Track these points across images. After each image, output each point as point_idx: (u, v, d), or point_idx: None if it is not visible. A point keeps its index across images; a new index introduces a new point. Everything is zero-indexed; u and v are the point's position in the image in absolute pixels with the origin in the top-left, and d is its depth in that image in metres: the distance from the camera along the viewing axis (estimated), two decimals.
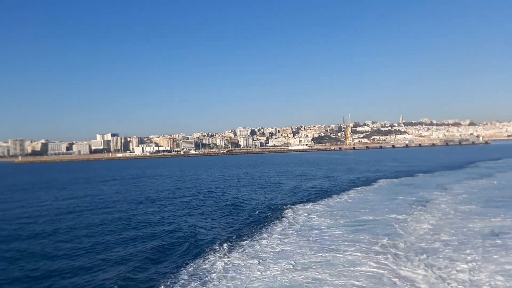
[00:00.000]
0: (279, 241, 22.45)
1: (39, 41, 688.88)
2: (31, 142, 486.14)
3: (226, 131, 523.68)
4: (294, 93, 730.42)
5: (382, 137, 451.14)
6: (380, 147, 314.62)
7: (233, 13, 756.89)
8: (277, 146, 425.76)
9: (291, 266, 17.79)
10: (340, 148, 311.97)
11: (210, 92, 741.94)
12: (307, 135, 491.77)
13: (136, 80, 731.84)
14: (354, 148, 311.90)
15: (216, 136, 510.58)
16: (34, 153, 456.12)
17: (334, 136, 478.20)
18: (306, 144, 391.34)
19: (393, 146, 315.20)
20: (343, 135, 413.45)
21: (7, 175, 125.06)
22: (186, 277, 17.24)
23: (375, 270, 16.75)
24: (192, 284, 16.26)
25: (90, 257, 21.44)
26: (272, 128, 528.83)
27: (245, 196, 43.96)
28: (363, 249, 19.83)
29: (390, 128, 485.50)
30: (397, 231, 23.47)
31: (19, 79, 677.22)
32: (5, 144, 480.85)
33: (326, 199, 38.59)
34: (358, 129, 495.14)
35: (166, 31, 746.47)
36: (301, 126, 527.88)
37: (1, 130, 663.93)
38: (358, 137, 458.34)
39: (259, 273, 17.08)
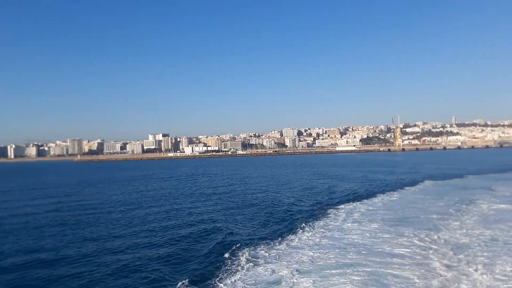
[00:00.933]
0: (320, 237, 25.06)
1: (97, 47, 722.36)
2: (88, 142, 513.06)
3: (273, 132, 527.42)
4: (341, 93, 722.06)
5: (433, 139, 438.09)
6: (431, 148, 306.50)
7: (275, 10, 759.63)
8: (324, 147, 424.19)
9: (332, 264, 18.67)
10: (389, 150, 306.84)
11: (257, 93, 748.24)
12: (355, 136, 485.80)
13: (185, 82, 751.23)
14: (403, 149, 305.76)
15: (263, 136, 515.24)
16: (90, 152, 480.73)
17: (383, 137, 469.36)
18: (354, 145, 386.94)
19: (444, 148, 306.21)
20: (392, 136, 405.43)
21: (71, 172, 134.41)
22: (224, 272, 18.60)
23: (416, 267, 17.69)
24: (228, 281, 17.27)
25: (130, 243, 25.15)
26: (319, 128, 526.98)
27: (293, 194, 46.89)
28: (403, 246, 21.39)
29: (441, 129, 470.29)
30: (439, 228, 25.06)
31: (78, 83, 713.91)
32: (64, 143, 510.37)
33: (370, 199, 40.75)
34: (408, 130, 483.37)
35: (215, 32, 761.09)
36: (348, 127, 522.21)
37: (61, 131, 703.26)
38: (408, 138, 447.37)
39: (295, 272, 17.78)
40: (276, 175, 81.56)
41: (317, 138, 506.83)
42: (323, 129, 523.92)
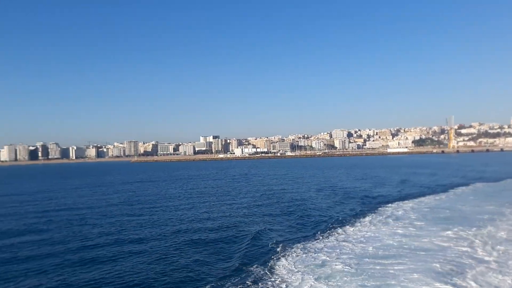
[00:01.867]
0: (371, 229, 28.48)
1: (153, 51, 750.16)
2: (143, 143, 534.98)
3: (322, 133, 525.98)
4: (392, 93, 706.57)
5: (490, 140, 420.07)
6: (487, 150, 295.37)
7: (326, 10, 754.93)
8: (374, 148, 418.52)
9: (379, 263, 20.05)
10: (442, 151, 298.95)
11: (306, 94, 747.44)
12: (407, 138, 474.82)
13: (234, 84, 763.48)
14: (457, 151, 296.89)
15: (312, 138, 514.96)
16: (145, 153, 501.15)
17: (436, 139, 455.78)
18: (406, 147, 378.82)
19: (502, 150, 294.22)
20: (446, 138, 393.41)
21: (132, 171, 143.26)
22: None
23: (461, 262, 19.36)
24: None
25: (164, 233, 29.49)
26: (369, 130, 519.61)
27: (346, 193, 50.10)
28: (450, 242, 23.95)
29: (499, 130, 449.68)
30: (486, 227, 27.18)
31: (134, 87, 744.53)
32: (121, 145, 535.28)
33: (419, 198, 43.42)
34: (463, 131, 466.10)
35: (265, 35, 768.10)
36: (400, 128, 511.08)
37: (118, 133, 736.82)
38: (463, 140, 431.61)
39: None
40: (328, 177, 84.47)
41: (367, 139, 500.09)
42: (373, 130, 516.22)
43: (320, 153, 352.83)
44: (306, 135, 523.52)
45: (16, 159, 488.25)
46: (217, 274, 20.00)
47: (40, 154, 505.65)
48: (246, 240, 26.73)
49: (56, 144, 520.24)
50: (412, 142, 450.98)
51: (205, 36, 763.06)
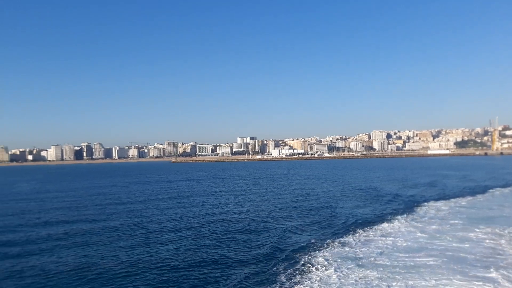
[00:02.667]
0: (415, 226, 30.59)
1: (191, 54, 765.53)
2: (182, 144, 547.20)
3: (360, 134, 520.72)
4: (434, 93, 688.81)
5: None
6: None
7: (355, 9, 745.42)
8: (414, 150, 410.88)
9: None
10: (485, 154, 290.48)
11: (344, 94, 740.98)
12: (448, 139, 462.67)
13: (270, 85, 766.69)
14: (502, 153, 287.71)
15: (350, 139, 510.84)
16: (184, 154, 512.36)
17: (479, 141, 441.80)
18: (447, 149, 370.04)
19: None
20: (490, 140, 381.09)
21: (176, 171, 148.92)
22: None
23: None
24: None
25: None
26: (409, 131, 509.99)
27: (388, 192, 52.04)
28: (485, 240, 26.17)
29: None
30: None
31: (173, 90, 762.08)
32: (161, 145, 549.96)
33: (457, 198, 44.90)
34: (507, 133, 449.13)
35: (298, 33, 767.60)
36: (441, 129, 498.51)
37: (158, 134, 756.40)
38: (508, 142, 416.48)
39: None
40: (368, 178, 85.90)
41: (407, 141, 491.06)
42: (413, 132, 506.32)
43: (359, 155, 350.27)
44: (344, 136, 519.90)
45: (62, 159, 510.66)
46: (259, 261, 22.98)
47: (84, 154, 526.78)
48: (286, 234, 29.64)
49: (100, 144, 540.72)
50: (454, 144, 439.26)
51: (242, 37, 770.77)
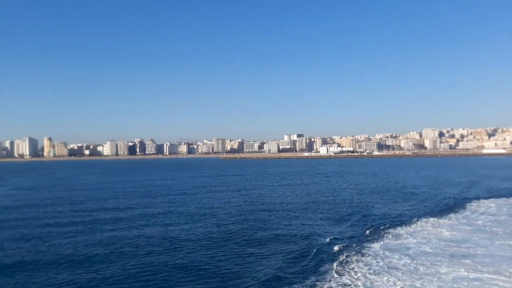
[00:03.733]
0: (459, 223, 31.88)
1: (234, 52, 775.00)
2: (230, 141, 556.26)
3: (411, 132, 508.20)
4: (489, 91, 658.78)
5: None
6: None
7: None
8: (468, 149, 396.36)
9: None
10: None
11: (394, 92, 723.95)
12: (504, 138, 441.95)
13: (319, 82, 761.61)
14: None
15: (400, 137, 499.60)
16: (232, 150, 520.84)
17: None
18: (504, 148, 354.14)
19: None
20: None
21: (227, 166, 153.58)
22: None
23: None
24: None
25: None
26: (463, 129, 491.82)
27: (438, 190, 52.85)
28: None
29: None
30: None
31: (220, 86, 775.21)
32: (210, 142, 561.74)
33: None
34: None
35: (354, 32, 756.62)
36: (497, 128, 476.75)
37: (207, 131, 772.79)
38: None
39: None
40: (422, 177, 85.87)
41: (460, 139, 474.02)
42: (467, 130, 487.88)
43: (409, 153, 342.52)
44: (394, 134, 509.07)
45: (117, 154, 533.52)
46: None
47: (138, 149, 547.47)
48: (345, 226, 31.92)
49: (152, 140, 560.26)
50: (511, 143, 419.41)
51: (289, 35, 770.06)
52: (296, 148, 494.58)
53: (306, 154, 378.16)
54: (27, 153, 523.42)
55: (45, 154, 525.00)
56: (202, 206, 41.96)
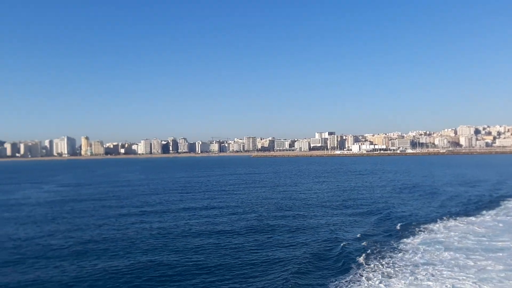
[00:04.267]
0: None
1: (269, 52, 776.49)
2: (261, 139, 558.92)
3: (445, 130, 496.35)
4: None
5: None
6: None
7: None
8: (505, 146, 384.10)
9: None
10: None
11: (427, 88, 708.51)
12: None
13: (350, 79, 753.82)
14: None
15: (434, 135, 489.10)
16: (262, 148, 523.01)
17: None
18: None
19: None
20: None
21: (260, 164, 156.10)
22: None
23: None
24: None
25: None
26: (500, 126, 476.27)
27: (475, 187, 53.48)
28: None
29: None
30: None
31: (251, 86, 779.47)
32: (241, 140, 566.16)
33: None
34: None
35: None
36: None
37: (238, 129, 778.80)
38: None
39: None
40: (459, 175, 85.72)
41: (497, 137, 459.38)
42: (504, 127, 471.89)
43: (444, 151, 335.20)
44: (427, 132, 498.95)
45: (151, 152, 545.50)
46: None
47: (170, 148, 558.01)
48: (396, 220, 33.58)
49: (185, 139, 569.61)
50: None
51: (322, 33, 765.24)
52: (327, 146, 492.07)
53: (337, 152, 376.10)
54: (66, 152, 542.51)
55: (82, 152, 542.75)
56: (242, 202, 44.32)
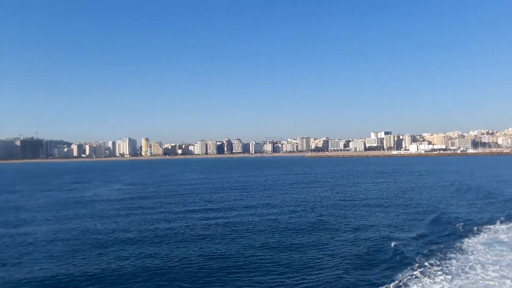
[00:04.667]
0: None
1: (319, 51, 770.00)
2: (314, 139, 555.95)
3: (510, 129, 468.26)
4: None
5: None
6: None
7: None
8: None
9: None
10: None
11: (488, 84, 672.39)
12: None
13: (406, 78, 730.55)
14: None
15: (497, 134, 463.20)
16: (316, 149, 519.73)
17: None
18: None
19: None
20: None
21: (314, 165, 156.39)
22: None
23: None
24: None
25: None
26: None
27: None
28: None
29: None
30: None
31: (305, 85, 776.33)
32: (294, 141, 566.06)
33: None
34: None
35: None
36: None
37: (291, 130, 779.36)
38: None
39: None
40: None
41: None
42: None
43: (508, 151, 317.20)
44: (490, 131, 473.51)
45: (206, 153, 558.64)
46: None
47: (225, 148, 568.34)
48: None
49: (239, 139, 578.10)
50: None
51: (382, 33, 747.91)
52: (383, 146, 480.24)
53: (394, 152, 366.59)
54: (127, 153, 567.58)
55: (143, 153, 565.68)
56: (301, 201, 45.64)
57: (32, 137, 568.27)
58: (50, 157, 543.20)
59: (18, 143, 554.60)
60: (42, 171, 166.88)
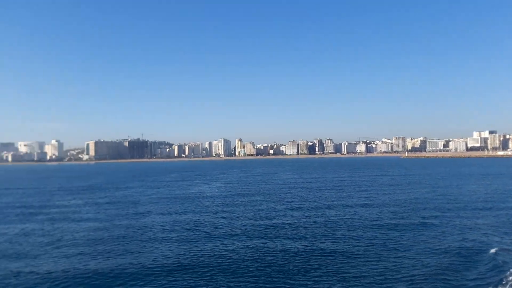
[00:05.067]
0: None
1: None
2: (411, 139, 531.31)
3: None
4: None
5: None
6: None
7: None
8: None
9: None
10: None
11: None
12: None
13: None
14: None
15: None
16: (413, 149, 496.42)
17: None
18: None
19: None
20: None
21: (411, 166, 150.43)
22: None
23: None
24: None
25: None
26: None
27: None
28: None
29: None
30: None
31: (367, 81, 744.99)
32: (389, 141, 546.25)
33: None
34: None
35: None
36: None
37: (386, 129, 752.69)
38: None
39: None
40: None
41: None
42: None
43: None
44: None
45: (297, 153, 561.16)
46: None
47: (316, 149, 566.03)
48: None
49: (330, 140, 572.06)
50: None
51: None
52: (487, 146, 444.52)
53: (500, 153, 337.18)
54: (222, 153, 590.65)
55: (236, 153, 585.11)
56: (400, 201, 45.21)
57: (138, 138, 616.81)
58: (154, 157, 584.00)
59: (126, 144, 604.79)
60: (149, 170, 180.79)
